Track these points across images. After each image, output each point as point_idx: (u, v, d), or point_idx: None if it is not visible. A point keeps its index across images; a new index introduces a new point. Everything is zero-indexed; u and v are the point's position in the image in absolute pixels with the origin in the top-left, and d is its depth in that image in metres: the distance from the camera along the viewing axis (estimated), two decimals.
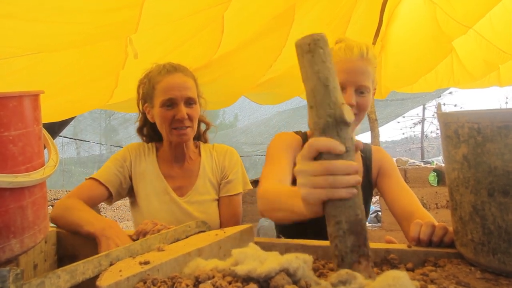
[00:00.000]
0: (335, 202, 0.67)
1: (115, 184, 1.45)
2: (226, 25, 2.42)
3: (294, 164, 1.35)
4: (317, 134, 0.69)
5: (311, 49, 0.69)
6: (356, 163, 0.68)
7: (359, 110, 1.29)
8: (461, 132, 0.76)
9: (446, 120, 0.81)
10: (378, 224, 5.10)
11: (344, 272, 0.69)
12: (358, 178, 0.67)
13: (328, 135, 0.67)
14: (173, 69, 1.46)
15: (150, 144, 1.58)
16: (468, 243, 0.80)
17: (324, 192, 0.66)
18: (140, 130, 1.62)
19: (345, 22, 3.25)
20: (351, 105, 1.26)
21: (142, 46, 2.07)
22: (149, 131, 1.60)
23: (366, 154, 1.48)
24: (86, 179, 1.45)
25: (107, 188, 1.42)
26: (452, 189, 0.83)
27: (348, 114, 0.67)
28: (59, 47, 1.83)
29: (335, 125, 0.67)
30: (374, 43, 3.58)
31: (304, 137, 1.47)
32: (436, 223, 0.94)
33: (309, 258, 0.67)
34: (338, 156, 0.67)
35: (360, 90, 1.28)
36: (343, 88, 1.28)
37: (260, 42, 2.83)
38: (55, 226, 1.28)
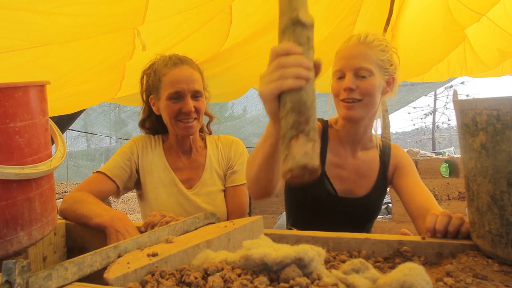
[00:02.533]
0: (287, 93, 0.69)
1: (123, 178, 1.45)
2: (234, 15, 2.39)
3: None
4: (279, 38, 0.72)
5: None
6: (307, 59, 0.69)
7: (362, 94, 1.27)
8: (479, 119, 0.73)
9: (463, 107, 0.78)
10: (389, 215, 5.07)
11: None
12: (308, 72, 0.68)
13: (286, 35, 0.71)
14: (179, 61, 1.45)
15: (156, 136, 1.57)
16: (485, 234, 0.77)
17: (276, 84, 0.69)
18: (142, 123, 1.60)
19: (355, 12, 3.19)
20: (350, 89, 1.26)
21: (149, 38, 2.05)
22: (153, 123, 1.59)
23: (385, 150, 1.46)
24: (93, 172, 1.45)
25: (114, 182, 1.42)
26: (468, 179, 0.80)
27: (305, 16, 0.69)
28: (66, 39, 1.82)
29: (291, 25, 0.70)
30: (384, 32, 3.51)
31: (325, 124, 1.46)
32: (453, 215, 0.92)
33: (322, 251, 0.65)
34: None
35: (360, 74, 1.27)
36: (343, 75, 1.30)
37: (268, 34, 2.79)
38: (65, 219, 1.27)
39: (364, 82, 1.26)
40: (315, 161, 0.62)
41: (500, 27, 3.33)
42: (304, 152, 0.62)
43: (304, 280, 0.62)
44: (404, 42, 3.67)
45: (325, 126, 1.46)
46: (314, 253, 0.62)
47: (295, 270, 0.64)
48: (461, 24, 3.25)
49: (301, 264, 0.62)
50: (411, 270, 0.61)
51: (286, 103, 0.67)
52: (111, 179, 1.41)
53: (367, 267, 0.66)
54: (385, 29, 3.48)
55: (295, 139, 0.64)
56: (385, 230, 4.68)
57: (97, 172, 1.43)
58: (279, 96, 0.70)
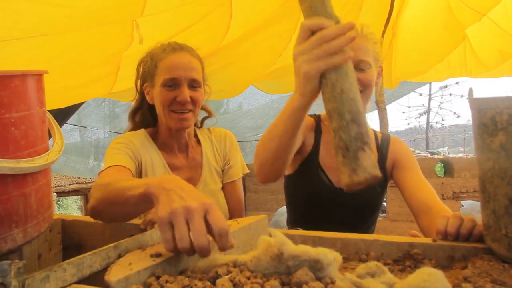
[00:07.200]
0: (333, 70, 0.70)
1: (134, 168, 1.30)
2: (235, 9, 2.35)
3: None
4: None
5: None
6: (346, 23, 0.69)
7: (363, 86, 1.28)
8: (499, 119, 0.70)
9: (481, 106, 0.75)
10: (383, 214, 5.07)
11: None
12: (352, 35, 0.68)
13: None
14: (179, 47, 1.35)
15: (145, 131, 1.43)
16: (501, 238, 0.74)
17: (323, 62, 0.69)
18: (132, 115, 1.47)
19: (356, 10, 3.16)
20: None
21: (147, 30, 2.01)
22: (144, 115, 1.46)
23: (383, 144, 1.44)
24: (100, 172, 1.26)
25: (129, 170, 1.26)
26: (485, 180, 0.77)
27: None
28: (64, 30, 1.77)
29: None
30: (384, 31, 3.49)
31: (318, 119, 1.45)
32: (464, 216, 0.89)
33: (339, 257, 0.62)
34: None
35: (359, 67, 1.27)
36: None
37: (269, 29, 2.74)
38: (98, 216, 0.99)
39: (364, 74, 1.27)
40: (379, 170, 0.67)
41: (501, 27, 3.32)
42: (373, 164, 0.66)
43: (317, 285, 0.58)
44: (404, 41, 3.66)
45: (318, 120, 1.45)
46: (332, 257, 0.59)
47: (308, 274, 0.60)
48: (462, 23, 3.24)
49: (317, 266, 0.59)
50: (431, 275, 0.58)
51: (345, 114, 0.68)
52: (125, 167, 1.24)
53: (383, 271, 0.63)
54: (385, 28, 3.46)
55: (362, 151, 0.66)
56: (380, 228, 4.67)
57: (111, 166, 1.24)
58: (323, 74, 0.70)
